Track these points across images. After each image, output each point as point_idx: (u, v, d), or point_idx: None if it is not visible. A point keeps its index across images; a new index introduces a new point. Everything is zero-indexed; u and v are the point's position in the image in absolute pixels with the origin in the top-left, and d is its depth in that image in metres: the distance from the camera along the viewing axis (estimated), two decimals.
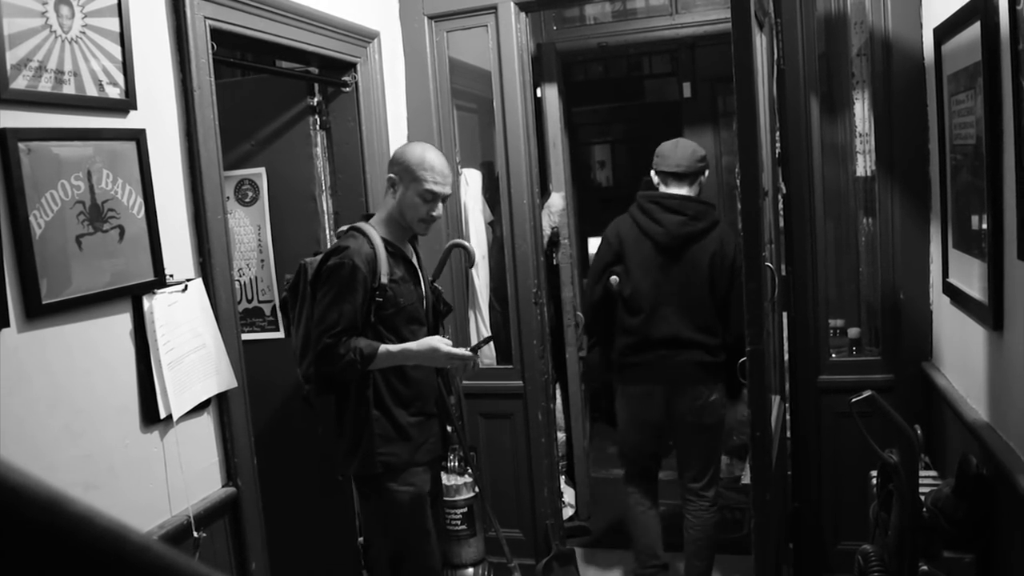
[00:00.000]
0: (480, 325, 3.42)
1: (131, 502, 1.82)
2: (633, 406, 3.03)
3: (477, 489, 3.05)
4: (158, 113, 1.96)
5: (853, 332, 3.10)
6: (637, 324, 2.91)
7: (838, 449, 2.90)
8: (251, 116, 2.98)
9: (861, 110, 3.15)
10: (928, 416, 2.68)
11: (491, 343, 3.30)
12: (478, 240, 3.43)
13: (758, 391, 2.08)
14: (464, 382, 3.06)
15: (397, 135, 3.17)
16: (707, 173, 3.02)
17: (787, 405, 3.03)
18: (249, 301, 3.02)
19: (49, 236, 1.61)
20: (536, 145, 3.26)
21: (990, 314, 1.99)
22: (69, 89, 1.68)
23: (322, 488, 2.97)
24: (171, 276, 1.95)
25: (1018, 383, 1.86)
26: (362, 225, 2.34)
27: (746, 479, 3.79)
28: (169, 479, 1.93)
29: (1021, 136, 1.72)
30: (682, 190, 2.93)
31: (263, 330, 3.03)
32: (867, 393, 2.06)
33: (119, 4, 1.81)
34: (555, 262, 3.89)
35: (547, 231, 3.67)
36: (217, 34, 2.15)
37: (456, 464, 3.08)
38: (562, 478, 3.64)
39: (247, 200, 3.00)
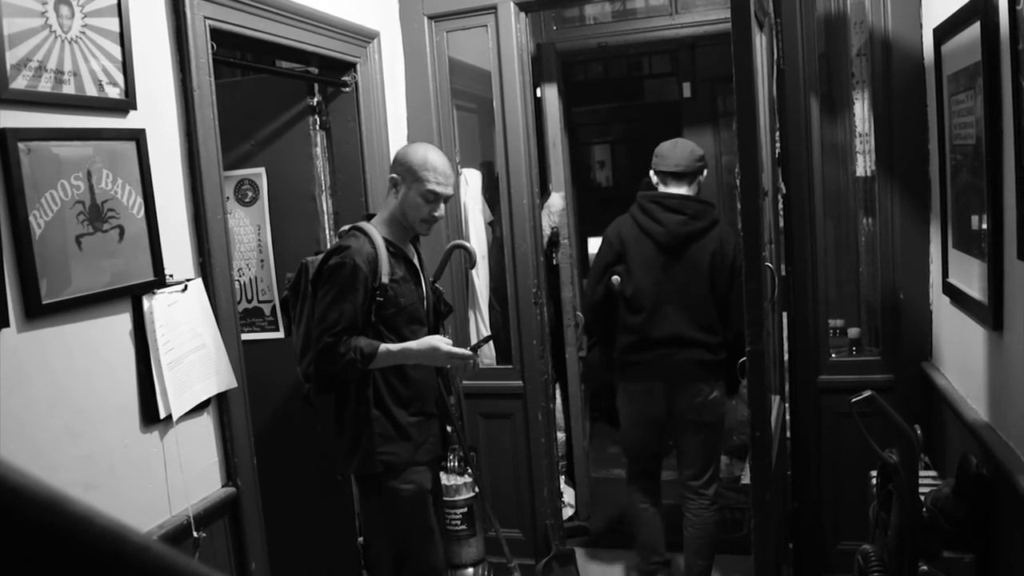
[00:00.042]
0: (480, 325, 3.42)
1: (131, 502, 1.82)
2: (635, 403, 3.04)
3: (477, 489, 3.05)
4: (158, 113, 1.96)
5: (853, 332, 3.10)
6: (639, 323, 2.93)
7: (838, 449, 2.90)
8: (251, 116, 2.98)
9: (861, 110, 3.15)
10: (928, 416, 2.68)
11: (491, 342, 3.30)
12: (478, 240, 3.43)
13: (758, 391, 2.08)
14: (464, 382, 3.06)
15: (397, 135, 3.17)
16: (706, 172, 3.04)
17: (787, 405, 3.03)
18: (249, 301, 3.02)
19: (49, 236, 1.61)
20: (536, 145, 3.26)
21: (990, 314, 1.99)
22: (69, 89, 1.68)
23: (322, 488, 2.98)
24: (171, 276, 1.95)
25: (1018, 383, 1.86)
26: (364, 225, 2.34)
27: (746, 479, 3.79)
28: (169, 479, 1.93)
29: (1021, 136, 1.73)
30: (681, 189, 2.95)
31: (263, 330, 3.03)
32: (867, 393, 2.06)
33: (119, 4, 1.81)
34: (555, 262, 3.89)
35: (547, 231, 3.67)
36: (217, 34, 2.15)
37: (456, 464, 3.09)
38: (562, 478, 3.64)
39: (247, 200, 3.00)
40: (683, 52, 5.48)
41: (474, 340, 3.28)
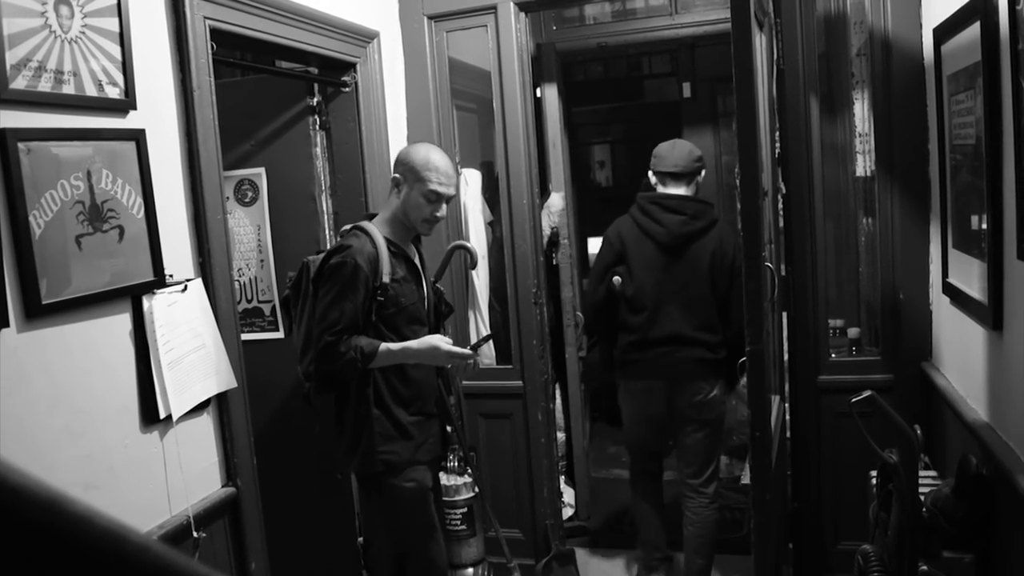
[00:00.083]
0: (480, 325, 3.42)
1: (131, 502, 1.82)
2: (636, 402, 3.08)
3: (477, 489, 3.05)
4: (158, 113, 1.96)
5: (853, 332, 3.10)
6: (640, 322, 2.95)
7: (838, 449, 2.90)
8: (251, 116, 2.98)
9: (861, 110, 3.15)
10: (928, 416, 2.68)
11: (491, 342, 3.30)
12: (478, 240, 3.43)
13: (758, 391, 2.08)
14: (464, 382, 3.06)
15: (397, 135, 3.17)
16: (704, 173, 3.06)
17: (787, 405, 3.03)
18: (249, 301, 3.02)
19: (49, 236, 1.61)
20: (536, 145, 3.26)
21: (990, 314, 1.99)
22: (69, 89, 1.68)
23: (322, 488, 2.98)
24: (171, 276, 1.95)
25: (1018, 383, 1.86)
26: (365, 224, 2.35)
27: (746, 479, 3.79)
28: (169, 479, 1.93)
29: (1021, 136, 1.73)
30: (680, 190, 2.98)
31: (263, 330, 3.03)
32: (867, 393, 2.06)
33: (119, 4, 1.81)
34: (555, 262, 3.89)
35: (547, 231, 3.67)
36: (217, 34, 2.15)
37: (456, 464, 3.09)
38: (562, 478, 3.64)
39: (247, 200, 3.00)
40: (683, 52, 5.48)
41: (474, 340, 3.28)
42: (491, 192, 3.61)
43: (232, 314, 2.20)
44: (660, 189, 3.01)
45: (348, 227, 2.40)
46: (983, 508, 2.01)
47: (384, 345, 2.24)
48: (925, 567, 1.97)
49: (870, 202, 3.06)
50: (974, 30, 2.02)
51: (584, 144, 6.72)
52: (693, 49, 5.37)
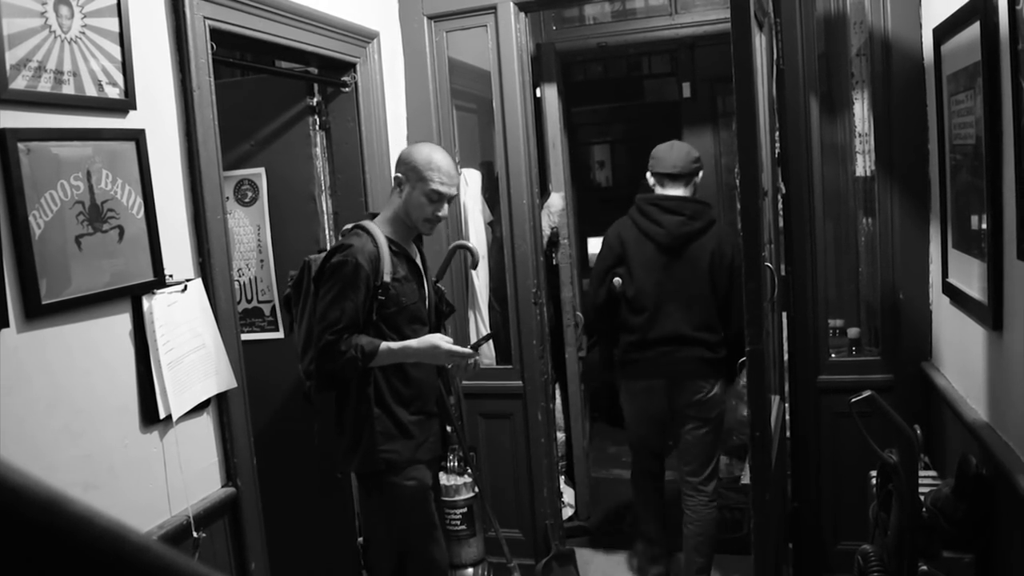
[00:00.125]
0: (480, 325, 3.42)
1: (131, 502, 1.82)
2: (637, 401, 3.10)
3: (477, 489, 3.05)
4: (157, 113, 1.96)
5: (852, 332, 3.10)
6: (641, 323, 2.98)
7: (838, 449, 2.90)
8: (251, 116, 2.98)
9: (861, 110, 3.15)
10: (928, 416, 2.68)
11: (490, 341, 3.31)
12: (477, 240, 3.43)
13: (758, 391, 2.08)
14: (464, 382, 3.06)
15: (397, 135, 3.17)
16: (701, 174, 3.08)
17: (787, 405, 3.03)
18: (248, 301, 3.02)
19: (48, 236, 1.61)
20: (536, 145, 3.26)
21: (990, 314, 1.99)
22: (68, 89, 1.68)
23: (322, 488, 2.98)
24: (171, 276, 1.95)
25: (1018, 383, 1.86)
26: (367, 224, 2.35)
27: (746, 479, 3.79)
28: (169, 479, 1.93)
29: (1021, 136, 1.73)
30: (678, 191, 3.01)
31: (263, 330, 3.03)
32: (867, 393, 2.06)
33: (118, 4, 1.81)
34: (555, 262, 3.89)
35: (547, 231, 3.67)
36: (217, 34, 2.15)
37: (456, 464, 3.09)
38: (562, 478, 3.64)
39: (247, 200, 3.00)
40: (683, 52, 5.48)
41: (474, 340, 3.28)
42: (491, 192, 3.61)
43: (232, 314, 2.20)
44: (659, 190, 3.03)
45: (350, 226, 2.41)
46: (983, 508, 2.01)
47: (384, 344, 2.24)
48: (925, 567, 1.97)
49: (870, 202, 3.06)
50: (974, 30, 2.02)
51: (584, 144, 6.73)
52: (693, 49, 5.37)
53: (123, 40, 1.82)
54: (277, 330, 3.02)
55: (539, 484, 3.26)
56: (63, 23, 1.67)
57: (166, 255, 1.93)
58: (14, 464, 0.30)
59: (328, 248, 2.49)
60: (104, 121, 1.79)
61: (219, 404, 2.13)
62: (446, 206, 2.38)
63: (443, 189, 2.32)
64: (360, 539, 3.04)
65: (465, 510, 3.10)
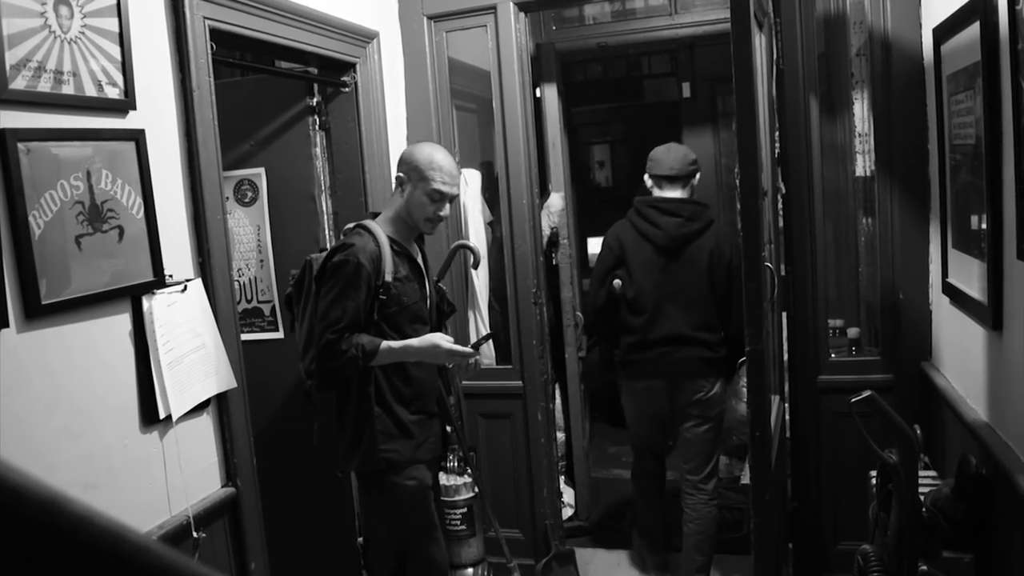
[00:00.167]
0: (480, 325, 3.42)
1: (130, 502, 1.82)
2: (638, 401, 3.13)
3: (476, 489, 3.06)
4: (157, 113, 1.96)
5: (852, 332, 3.10)
6: (641, 324, 3.01)
7: (837, 449, 2.90)
8: (250, 116, 2.98)
9: (860, 110, 3.15)
10: (927, 416, 2.68)
11: (490, 341, 3.31)
12: (477, 240, 3.43)
13: (758, 391, 2.08)
14: (464, 382, 3.06)
15: (396, 135, 3.17)
16: (699, 175, 3.12)
17: (787, 405, 3.04)
18: (248, 301, 3.02)
19: (48, 236, 1.61)
20: (535, 145, 3.26)
21: (989, 314, 1.99)
22: (68, 89, 1.68)
23: (321, 488, 2.97)
24: (170, 276, 1.95)
25: (1017, 383, 1.86)
26: (368, 223, 2.35)
27: (745, 479, 3.79)
28: (168, 479, 1.93)
29: (1020, 136, 1.73)
30: (675, 192, 3.04)
31: (262, 330, 3.03)
32: (866, 393, 2.06)
33: (118, 4, 1.81)
34: (554, 262, 3.89)
35: (546, 231, 3.67)
36: (216, 34, 2.15)
37: (456, 464, 3.09)
38: (561, 478, 3.64)
39: (246, 200, 3.00)
40: (683, 52, 5.48)
41: (474, 340, 3.28)
42: (491, 192, 3.61)
43: (232, 314, 2.20)
44: (656, 192, 3.07)
45: (351, 225, 2.41)
46: (983, 508, 2.01)
47: (385, 343, 2.24)
48: (925, 567, 1.97)
49: (870, 202, 3.06)
50: (974, 30, 2.02)
51: (584, 144, 6.73)
52: (693, 49, 5.37)
53: (123, 40, 1.82)
54: (277, 330, 3.02)
55: (539, 484, 3.26)
56: (63, 23, 1.67)
57: (166, 255, 1.93)
58: (14, 464, 0.30)
59: (329, 247, 2.49)
60: (104, 121, 1.79)
61: (219, 404, 2.13)
62: (448, 205, 2.38)
63: (445, 188, 2.33)
64: (360, 539, 3.04)
65: (465, 510, 3.10)
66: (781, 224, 2.98)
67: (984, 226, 2.00)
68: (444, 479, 3.02)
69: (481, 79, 3.31)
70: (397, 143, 3.13)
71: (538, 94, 3.86)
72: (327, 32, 2.69)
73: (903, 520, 1.98)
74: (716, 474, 3.12)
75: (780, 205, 2.98)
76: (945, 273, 2.50)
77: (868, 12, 2.77)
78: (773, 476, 2.27)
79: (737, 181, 2.09)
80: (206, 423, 2.10)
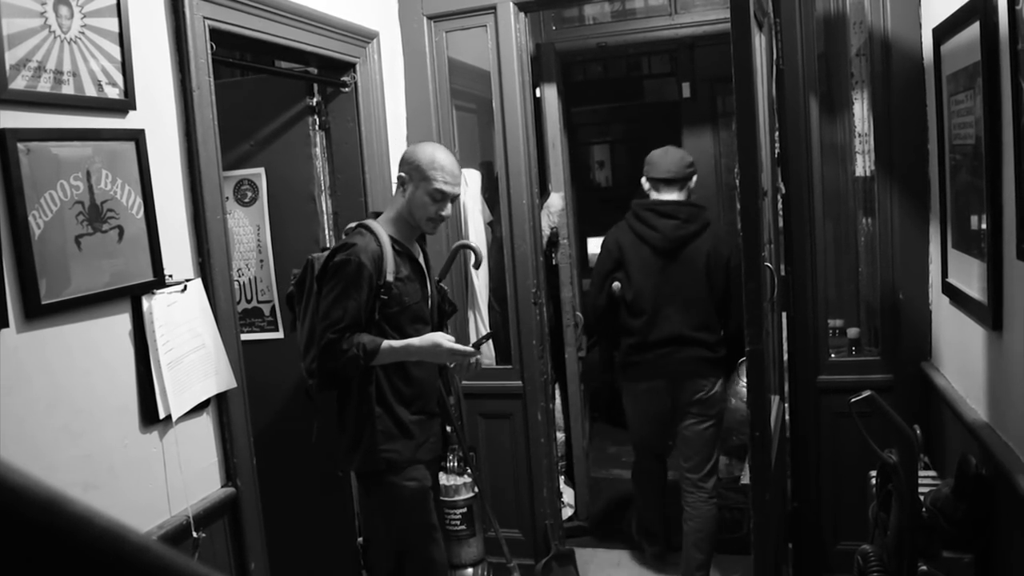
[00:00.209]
0: (480, 325, 3.42)
1: (130, 502, 1.82)
2: (640, 402, 3.18)
3: (476, 489, 3.06)
4: (157, 113, 1.96)
5: (852, 332, 3.10)
6: (640, 325, 3.05)
7: (837, 449, 2.90)
8: (250, 116, 2.98)
9: (860, 110, 3.15)
10: (927, 416, 2.68)
11: (490, 341, 3.31)
12: (477, 240, 3.43)
13: (758, 391, 2.08)
14: (463, 382, 3.06)
15: (396, 135, 3.17)
16: (695, 178, 3.15)
17: (786, 405, 3.04)
18: (248, 301, 3.02)
19: (48, 236, 1.61)
20: (535, 145, 3.26)
21: (989, 314, 1.99)
22: (68, 89, 1.68)
23: (321, 488, 2.97)
24: (170, 276, 1.95)
25: (1017, 383, 1.86)
26: (370, 223, 2.35)
27: (745, 479, 3.79)
28: (168, 479, 1.93)
29: (1020, 136, 1.73)
30: (672, 195, 3.08)
31: (262, 330, 3.03)
32: (866, 393, 2.06)
33: (118, 4, 1.81)
34: (554, 262, 3.89)
35: (546, 231, 3.67)
36: (216, 34, 2.15)
37: (455, 464, 3.09)
38: (561, 478, 3.64)
39: (246, 200, 3.00)
40: (682, 52, 5.48)
41: (473, 340, 3.28)
42: (491, 192, 3.61)
43: (232, 314, 2.20)
44: (654, 195, 3.10)
45: (353, 225, 2.41)
46: (983, 508, 2.01)
47: (386, 342, 2.24)
48: (924, 567, 1.97)
49: (870, 202, 3.06)
50: (973, 30, 2.02)
51: (584, 144, 6.73)
52: (692, 49, 5.37)
53: (123, 40, 1.82)
54: (277, 330, 3.02)
55: (539, 484, 3.26)
56: (63, 23, 1.67)
57: (166, 255, 1.93)
58: (14, 464, 0.30)
59: (330, 247, 2.49)
60: (104, 121, 1.79)
61: (219, 404, 2.13)
62: (449, 205, 2.39)
63: (446, 188, 2.33)
64: (360, 539, 3.04)
65: (465, 510, 3.10)
66: (781, 224, 2.98)
67: (984, 226, 2.00)
68: (444, 479, 3.02)
69: (481, 79, 3.31)
70: (397, 143, 3.13)
71: (538, 94, 3.86)
72: (327, 32, 2.69)
73: (903, 520, 1.98)
74: (716, 472, 3.15)
75: (780, 205, 2.98)
76: (945, 273, 2.50)
77: (868, 12, 2.77)
78: (773, 476, 2.27)
79: (737, 181, 2.09)
80: (206, 423, 2.10)
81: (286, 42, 2.49)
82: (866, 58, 2.92)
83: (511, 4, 3.07)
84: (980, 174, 2.02)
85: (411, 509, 2.38)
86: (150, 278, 1.89)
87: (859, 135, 3.17)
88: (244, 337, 2.39)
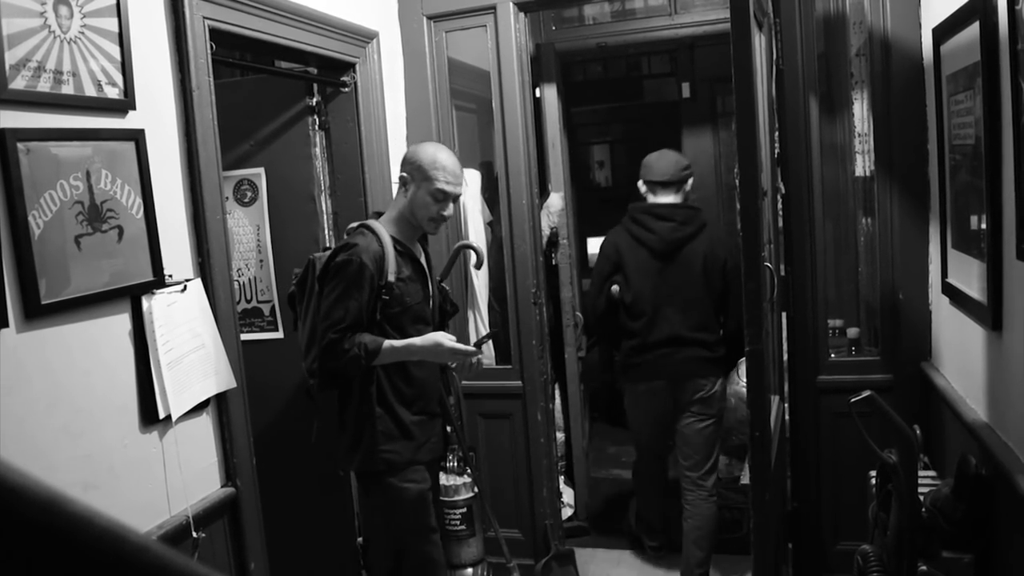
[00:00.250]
0: (480, 325, 3.42)
1: (130, 502, 1.82)
2: (640, 403, 3.20)
3: (476, 489, 3.06)
4: (157, 113, 1.96)
5: (852, 332, 3.11)
6: (640, 327, 3.08)
7: (837, 449, 2.90)
8: (250, 116, 2.98)
9: (860, 110, 3.15)
10: (927, 416, 2.68)
11: (490, 341, 3.31)
12: (477, 240, 3.43)
13: (758, 391, 2.08)
14: (463, 382, 3.06)
15: (396, 135, 3.17)
16: (691, 181, 3.18)
17: (786, 405, 3.04)
18: (248, 301, 3.02)
19: (48, 236, 1.61)
20: (535, 145, 3.26)
21: (989, 314, 1.99)
22: (68, 89, 1.68)
23: (321, 488, 2.97)
24: (170, 276, 1.95)
25: (1017, 383, 1.86)
26: (372, 223, 2.35)
27: (745, 479, 3.79)
28: (168, 479, 1.92)
29: (1020, 136, 1.73)
30: (669, 198, 3.11)
31: (262, 330, 3.03)
32: (866, 393, 2.05)
33: (118, 4, 1.81)
34: (554, 262, 3.89)
35: (546, 231, 3.67)
36: (216, 34, 2.15)
37: (455, 464, 3.09)
38: (561, 478, 3.64)
39: (246, 200, 3.00)
40: (682, 52, 5.48)
41: (473, 340, 3.28)
42: (490, 192, 3.61)
43: (231, 314, 2.20)
44: (651, 198, 3.13)
45: (355, 225, 2.41)
46: (982, 508, 2.01)
47: (388, 342, 2.24)
48: (924, 567, 1.97)
49: (869, 202, 3.06)
50: (973, 30, 2.02)
51: (583, 144, 6.73)
52: (692, 49, 5.37)
53: (123, 40, 1.82)
54: (277, 330, 3.02)
55: (539, 484, 3.26)
56: (63, 23, 1.67)
57: (165, 255, 1.93)
58: (14, 464, 0.30)
59: (330, 247, 2.49)
60: (103, 121, 1.79)
61: (219, 404, 2.13)
62: (451, 205, 2.38)
63: (448, 188, 2.33)
64: (360, 539, 3.04)
65: (465, 510, 3.10)
66: (781, 224, 2.98)
67: (984, 226, 2.00)
68: (444, 479, 3.02)
69: (481, 79, 3.31)
70: (397, 143, 3.13)
71: (538, 94, 3.86)
72: (327, 32, 2.69)
73: (903, 520, 1.98)
74: (716, 471, 3.17)
75: (780, 205, 2.99)
76: (945, 273, 2.50)
77: (868, 12, 2.77)
78: (773, 476, 2.27)
79: (737, 181, 2.09)
80: (206, 423, 2.10)
81: (286, 42, 2.49)
82: (866, 58, 2.92)
83: (511, 4, 3.07)
84: (980, 174, 2.02)
85: (409, 511, 2.38)
86: (150, 278, 1.89)
87: (859, 135, 3.17)
88: (244, 337, 2.39)
